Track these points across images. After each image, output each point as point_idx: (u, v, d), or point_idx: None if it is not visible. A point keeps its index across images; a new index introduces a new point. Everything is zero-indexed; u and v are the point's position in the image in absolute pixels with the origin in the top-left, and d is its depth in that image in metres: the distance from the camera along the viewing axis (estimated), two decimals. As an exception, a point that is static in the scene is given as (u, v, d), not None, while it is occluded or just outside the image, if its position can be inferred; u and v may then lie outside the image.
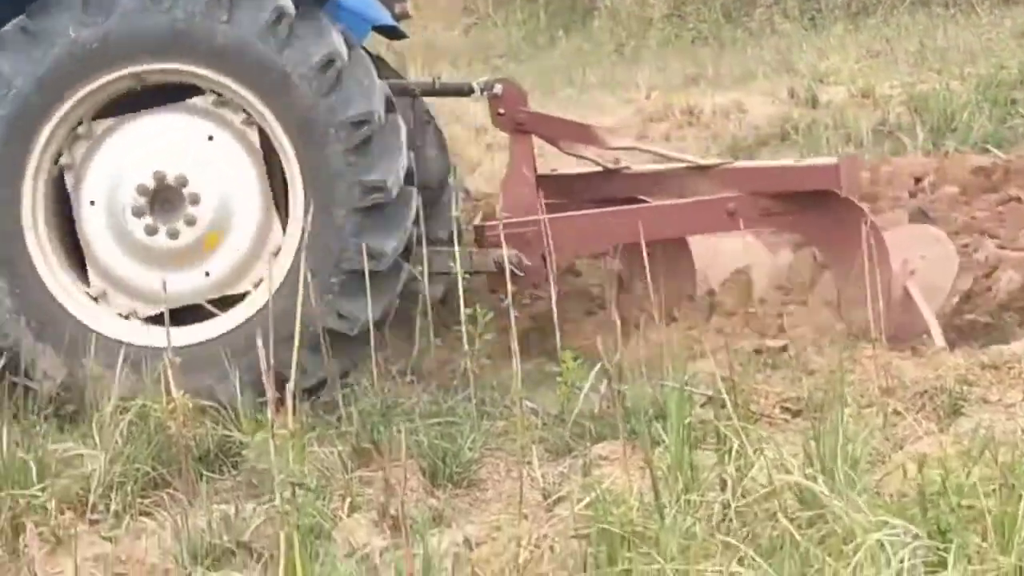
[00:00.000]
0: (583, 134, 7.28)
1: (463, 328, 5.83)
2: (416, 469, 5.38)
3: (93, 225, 6.30)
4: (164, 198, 6.26)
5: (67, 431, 5.78)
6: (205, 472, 5.52)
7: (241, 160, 6.27)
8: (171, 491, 5.30)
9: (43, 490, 5.08)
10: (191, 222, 6.24)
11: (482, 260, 6.79)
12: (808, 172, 6.81)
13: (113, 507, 5.20)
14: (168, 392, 5.61)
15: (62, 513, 5.05)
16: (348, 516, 4.99)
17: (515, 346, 5.19)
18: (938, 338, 6.35)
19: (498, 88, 7.11)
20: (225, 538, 4.79)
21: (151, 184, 6.23)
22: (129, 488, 5.25)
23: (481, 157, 11.39)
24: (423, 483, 5.34)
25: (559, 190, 7.22)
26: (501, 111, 7.13)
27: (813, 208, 6.66)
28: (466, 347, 5.86)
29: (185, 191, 6.24)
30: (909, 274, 6.59)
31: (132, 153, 6.28)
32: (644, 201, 7.11)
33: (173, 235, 6.26)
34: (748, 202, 6.70)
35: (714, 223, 6.82)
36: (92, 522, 5.14)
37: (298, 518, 4.23)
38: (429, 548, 4.35)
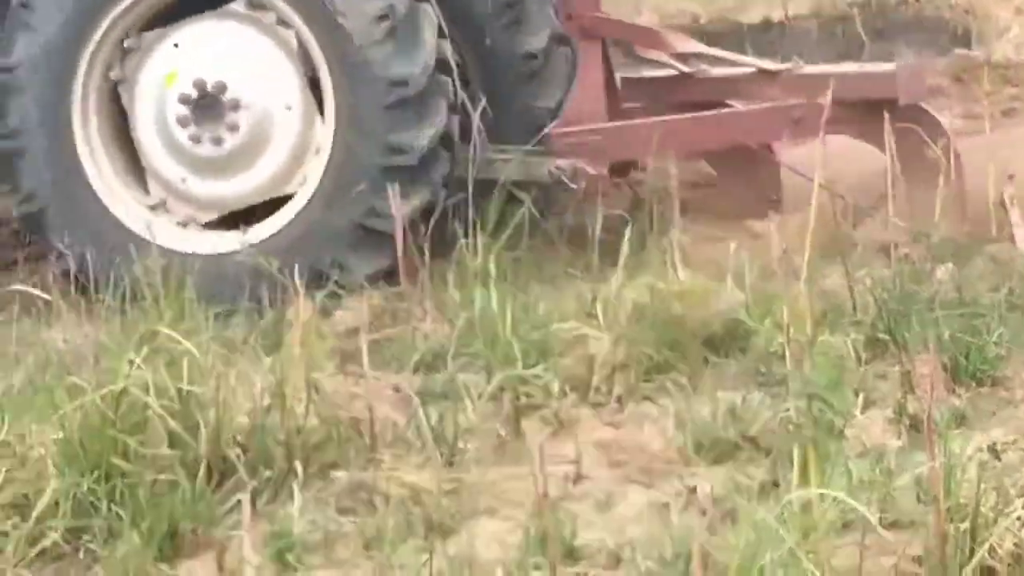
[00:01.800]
0: (651, 38, 7.20)
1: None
2: (936, 364, 4.96)
3: (147, 135, 6.37)
4: (206, 105, 6.29)
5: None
6: (710, 356, 5.30)
7: (280, 63, 6.29)
8: (674, 376, 5.11)
9: (545, 370, 4.99)
10: (233, 128, 6.26)
11: (537, 169, 6.60)
12: (866, 79, 6.69)
13: (616, 391, 5.06)
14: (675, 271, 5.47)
15: (564, 395, 4.94)
16: (862, 413, 4.66)
17: None
18: (1021, 242, 6.10)
19: None
20: (731, 431, 4.55)
21: (193, 93, 6.28)
22: (632, 372, 5.08)
23: (1011, 22, 10.61)
24: (944, 380, 4.92)
25: (641, 93, 7.18)
26: (569, 15, 6.92)
27: (880, 116, 6.34)
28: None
29: (225, 97, 6.27)
30: (1008, 179, 6.36)
31: (174, 62, 6.33)
32: (724, 104, 6.95)
33: (217, 142, 6.29)
34: (815, 109, 6.13)
35: (780, 131, 6.60)
36: (594, 405, 5.01)
37: (814, 428, 3.94)
38: (950, 452, 3.95)
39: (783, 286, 5.33)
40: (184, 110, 6.30)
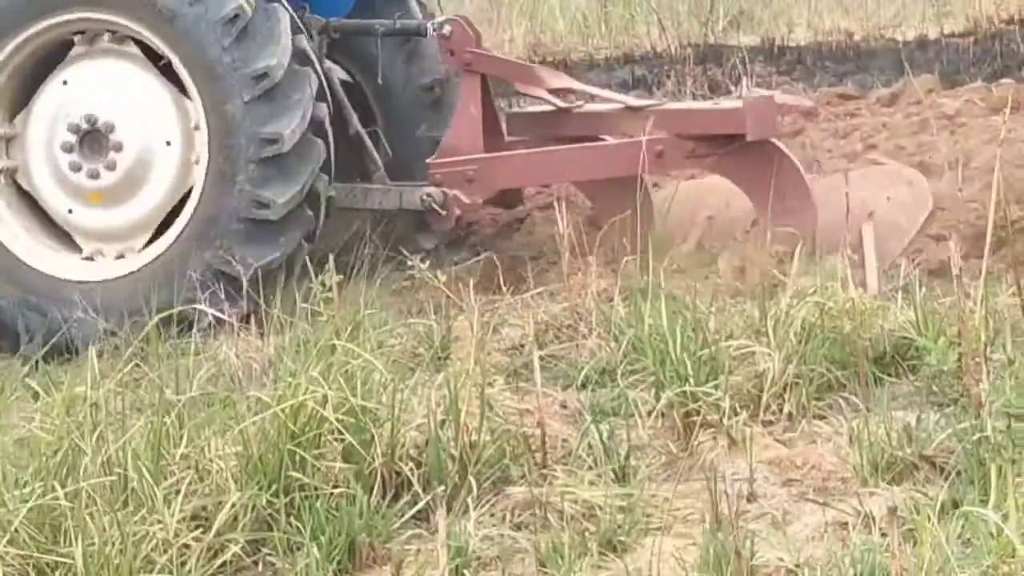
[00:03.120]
0: (526, 74, 7.44)
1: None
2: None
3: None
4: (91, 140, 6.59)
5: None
6: (881, 375, 5.23)
7: (163, 103, 6.59)
8: (845, 394, 5.05)
9: (716, 387, 4.95)
10: (111, 167, 6.56)
11: (410, 198, 7.02)
12: (717, 115, 6.88)
13: (787, 408, 5.01)
14: (844, 289, 5.42)
15: (735, 412, 4.90)
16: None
17: None
18: (871, 285, 6.14)
19: (447, 28, 7.13)
20: (908, 450, 4.48)
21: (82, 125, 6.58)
22: (803, 390, 5.02)
23: None
24: None
25: (523, 127, 7.46)
26: (451, 51, 7.16)
27: (735, 150, 6.67)
28: None
29: (112, 137, 6.55)
30: (867, 216, 6.58)
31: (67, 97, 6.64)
32: (599, 138, 7.16)
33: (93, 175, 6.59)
34: (675, 144, 6.78)
35: (644, 164, 6.73)
36: (765, 423, 4.96)
37: (1012, 451, 3.86)
38: None
39: (950, 304, 5.25)
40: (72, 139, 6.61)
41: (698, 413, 4.89)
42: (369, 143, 7.36)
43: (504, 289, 6.34)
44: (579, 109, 7.37)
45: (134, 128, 6.58)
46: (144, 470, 4.09)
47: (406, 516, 4.33)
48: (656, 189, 7.34)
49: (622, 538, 4.18)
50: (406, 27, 7.49)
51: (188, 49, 6.44)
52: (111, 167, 6.56)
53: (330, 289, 5.03)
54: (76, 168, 6.59)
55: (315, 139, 6.56)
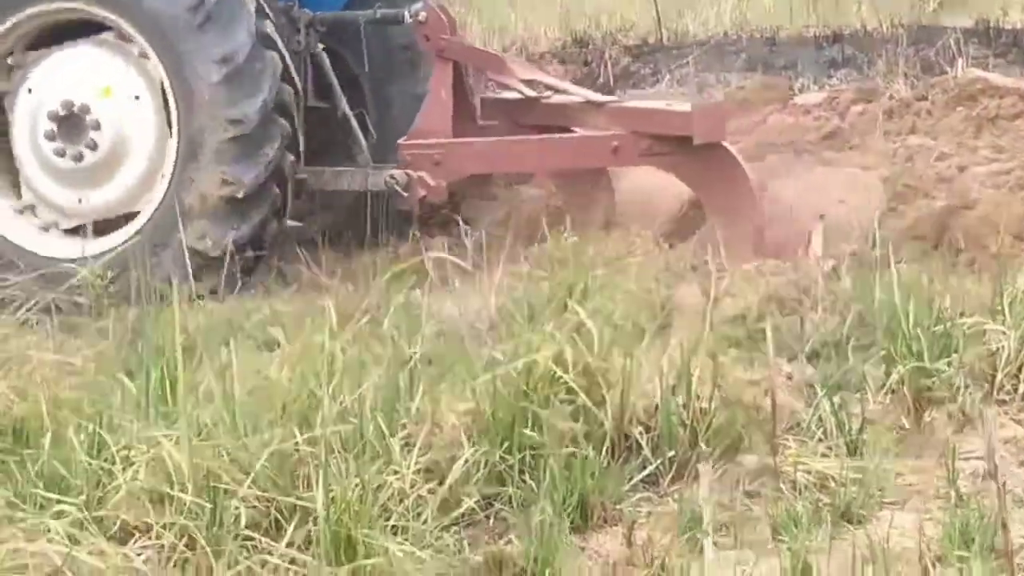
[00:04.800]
0: (496, 64, 7.62)
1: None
2: None
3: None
4: (71, 124, 6.89)
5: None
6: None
7: (140, 91, 6.88)
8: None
9: (948, 364, 4.84)
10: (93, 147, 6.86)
11: (376, 180, 7.25)
12: (668, 116, 7.02)
13: (1021, 389, 4.88)
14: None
15: (968, 390, 4.79)
16: None
17: None
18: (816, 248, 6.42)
19: (423, 15, 7.30)
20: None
21: (60, 111, 6.87)
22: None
23: None
24: None
25: (496, 113, 7.61)
26: (426, 36, 7.34)
27: (687, 151, 6.84)
28: None
29: (88, 118, 6.84)
30: (818, 219, 6.74)
31: (48, 82, 6.95)
32: (567, 129, 7.36)
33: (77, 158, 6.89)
34: (631, 140, 6.99)
35: (600, 158, 7.15)
36: (999, 402, 4.84)
37: None
38: None
39: None
40: (51, 126, 6.91)
41: (930, 389, 4.80)
42: (356, 126, 7.56)
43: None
44: (547, 100, 7.47)
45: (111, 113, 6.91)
46: (380, 421, 4.12)
47: (635, 479, 4.31)
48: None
49: (858, 510, 4.11)
50: (385, 16, 7.66)
51: (157, 35, 6.79)
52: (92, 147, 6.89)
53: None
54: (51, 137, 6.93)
55: (279, 119, 6.84)
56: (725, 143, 6.92)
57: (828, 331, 5.41)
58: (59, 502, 3.64)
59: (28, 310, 5.50)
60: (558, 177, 7.56)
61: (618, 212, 7.27)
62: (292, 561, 3.61)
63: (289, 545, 3.67)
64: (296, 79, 7.07)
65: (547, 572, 3.77)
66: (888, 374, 4.90)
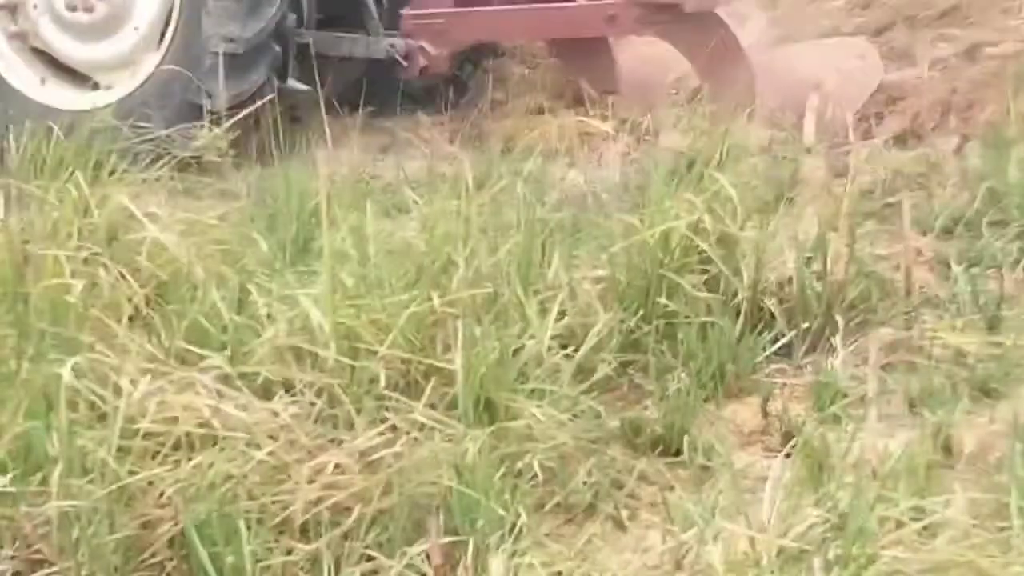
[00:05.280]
0: None
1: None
2: None
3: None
4: None
5: None
6: None
7: None
8: None
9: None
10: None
11: (376, 47, 7.34)
12: None
13: None
14: None
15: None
16: None
17: None
18: (808, 136, 6.48)
19: None
20: None
21: None
22: None
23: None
24: None
25: None
26: None
27: (680, 19, 6.95)
28: None
29: None
30: (814, 86, 6.84)
31: None
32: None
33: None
34: (626, 9, 7.10)
35: (597, 27, 7.28)
36: None
37: None
38: None
39: None
40: None
41: None
42: None
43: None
44: None
45: None
46: (517, 286, 4.11)
47: (769, 351, 4.28)
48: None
49: (995, 385, 4.07)
50: None
51: None
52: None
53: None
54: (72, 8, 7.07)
55: None
56: (718, 12, 7.03)
57: (959, 207, 5.33)
58: (205, 358, 3.66)
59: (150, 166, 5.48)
60: (559, 46, 7.75)
61: (620, 82, 7.49)
62: (432, 421, 3.61)
63: (428, 406, 3.68)
64: None
65: (684, 439, 3.76)
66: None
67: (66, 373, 3.28)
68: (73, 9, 7.10)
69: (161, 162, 4.73)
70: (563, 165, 6.16)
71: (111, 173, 4.57)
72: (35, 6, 7.22)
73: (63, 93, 7.17)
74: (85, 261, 4.00)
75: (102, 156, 4.57)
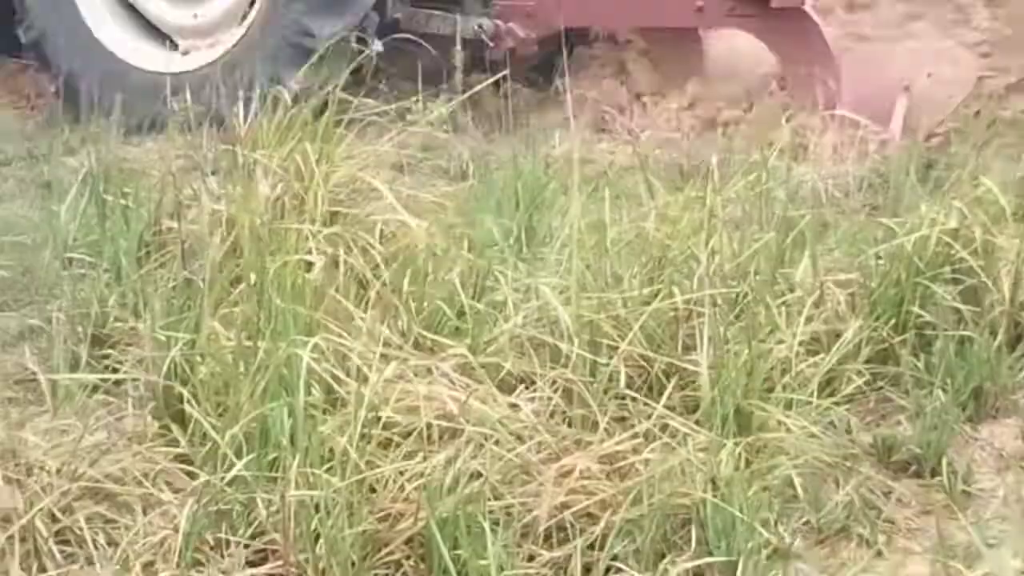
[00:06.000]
0: None
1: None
2: None
3: None
4: None
5: None
6: None
7: None
8: None
9: None
10: None
11: (465, 26, 7.28)
12: None
13: None
14: None
15: None
16: None
17: None
18: (895, 131, 6.45)
19: None
20: None
21: None
22: None
23: None
24: None
25: None
26: None
27: (767, 13, 6.92)
28: None
29: None
30: (903, 89, 6.72)
31: None
32: None
33: None
34: (715, 2, 7.11)
35: (686, 18, 7.25)
36: None
37: None
38: None
39: None
40: None
41: None
42: None
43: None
44: None
45: None
46: (762, 288, 3.89)
47: (1024, 367, 4.00)
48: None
49: None
50: None
51: None
52: None
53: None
54: None
55: None
56: (806, 7, 6.95)
57: None
58: (444, 345, 3.50)
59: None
60: (649, 34, 7.71)
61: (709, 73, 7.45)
62: (680, 427, 3.41)
63: (667, 407, 3.48)
64: None
65: (942, 461, 3.51)
66: None
67: (305, 355, 3.13)
68: None
69: (387, 136, 4.55)
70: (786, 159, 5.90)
71: (337, 143, 4.41)
72: None
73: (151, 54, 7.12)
74: (314, 236, 3.85)
75: (327, 125, 4.40)
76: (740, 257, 3.97)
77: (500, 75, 6.90)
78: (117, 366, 3.64)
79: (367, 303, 3.61)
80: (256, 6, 6.96)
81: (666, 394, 3.52)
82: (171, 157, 5.07)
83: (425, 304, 3.68)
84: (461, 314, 3.69)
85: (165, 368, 3.42)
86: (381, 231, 4.01)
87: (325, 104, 4.57)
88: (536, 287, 3.73)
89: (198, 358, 3.40)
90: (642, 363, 3.66)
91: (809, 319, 3.88)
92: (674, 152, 6.07)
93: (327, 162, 4.36)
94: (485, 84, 5.70)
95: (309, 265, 3.64)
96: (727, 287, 3.84)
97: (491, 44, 7.28)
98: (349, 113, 4.57)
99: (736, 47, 7.46)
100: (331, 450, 3.04)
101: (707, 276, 3.81)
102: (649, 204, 4.33)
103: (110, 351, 3.78)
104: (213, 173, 4.84)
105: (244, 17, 7.02)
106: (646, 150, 5.75)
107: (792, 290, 4.03)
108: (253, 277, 3.48)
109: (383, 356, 3.29)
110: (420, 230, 3.91)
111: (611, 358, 3.56)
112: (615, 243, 4.04)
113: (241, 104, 4.79)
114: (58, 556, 2.95)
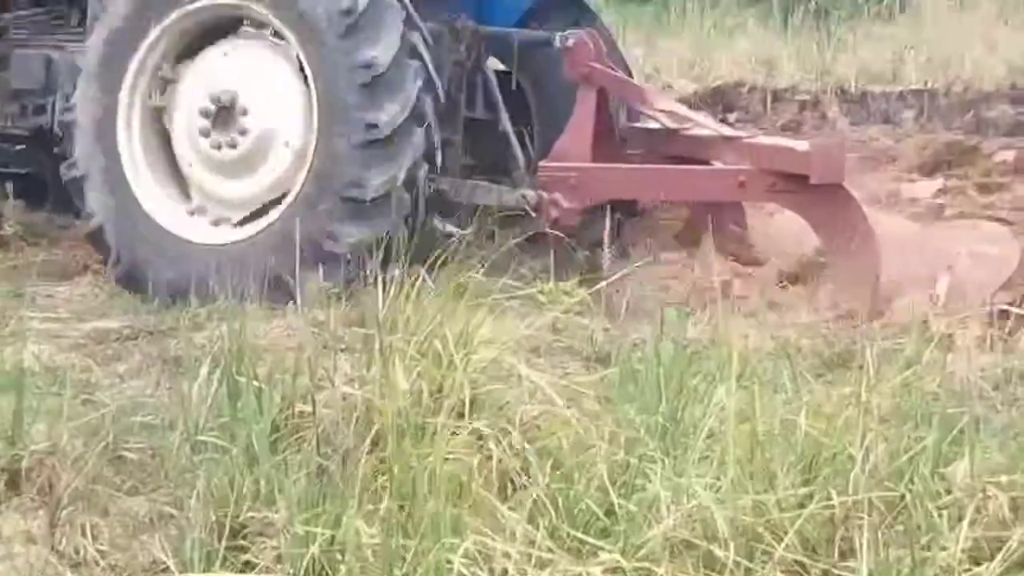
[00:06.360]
0: (638, 94, 7.91)
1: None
2: None
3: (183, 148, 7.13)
4: (223, 116, 6.99)
5: None
6: None
7: (289, 84, 6.95)
8: None
9: None
10: (244, 132, 6.95)
11: (508, 197, 7.34)
12: (786, 154, 7.06)
13: None
14: None
15: None
16: None
17: None
18: (941, 293, 6.34)
19: (571, 40, 7.54)
20: None
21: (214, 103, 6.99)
22: None
23: None
24: None
25: (639, 141, 7.91)
26: (572, 62, 7.56)
27: (808, 190, 6.84)
28: None
29: (237, 106, 6.95)
30: (946, 269, 6.59)
31: (198, 83, 7.07)
32: (703, 161, 7.51)
33: (232, 145, 6.97)
34: (757, 176, 7.03)
35: (727, 192, 7.21)
36: None
37: None
38: None
39: None
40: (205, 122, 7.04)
41: None
42: (515, 143, 7.85)
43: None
44: (686, 131, 7.63)
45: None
46: (924, 489, 3.70)
47: None
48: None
49: None
50: (537, 38, 7.95)
51: (306, 36, 6.85)
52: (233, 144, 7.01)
53: None
54: (206, 134, 7.04)
55: (416, 128, 6.85)
56: (845, 184, 6.86)
57: None
58: (593, 546, 3.35)
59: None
60: (695, 207, 7.75)
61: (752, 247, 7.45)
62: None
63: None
64: (440, 89, 7.09)
65: None
66: None
67: (456, 560, 3.00)
68: (218, 147, 7.05)
69: (527, 320, 4.46)
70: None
71: (476, 327, 4.33)
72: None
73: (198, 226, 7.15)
74: (455, 430, 3.74)
75: (468, 307, 4.32)
76: (897, 458, 3.79)
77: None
78: (255, 560, 3.52)
79: (514, 498, 3.47)
80: (306, 169, 6.89)
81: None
82: (305, 335, 5.00)
83: (573, 500, 3.54)
84: (610, 512, 3.54)
85: (304, 564, 3.30)
86: (524, 420, 3.89)
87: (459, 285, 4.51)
88: (692, 487, 3.57)
89: (338, 555, 3.28)
90: (798, 569, 3.49)
91: (971, 523, 3.68)
92: (813, 336, 5.90)
93: (465, 346, 4.27)
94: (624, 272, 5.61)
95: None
96: (884, 489, 3.66)
97: (534, 214, 7.27)
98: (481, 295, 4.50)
99: (783, 223, 7.44)
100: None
101: (863, 476, 3.65)
102: (796, 395, 4.18)
103: (243, 542, 3.66)
104: (343, 350, 4.78)
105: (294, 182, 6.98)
106: (785, 334, 5.61)
107: (950, 492, 3.84)
108: (396, 470, 3.37)
109: (533, 559, 3.15)
110: (565, 421, 3.78)
111: (766, 563, 3.40)
112: (766, 437, 3.88)
113: (379, 280, 4.72)
114: None
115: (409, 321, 4.40)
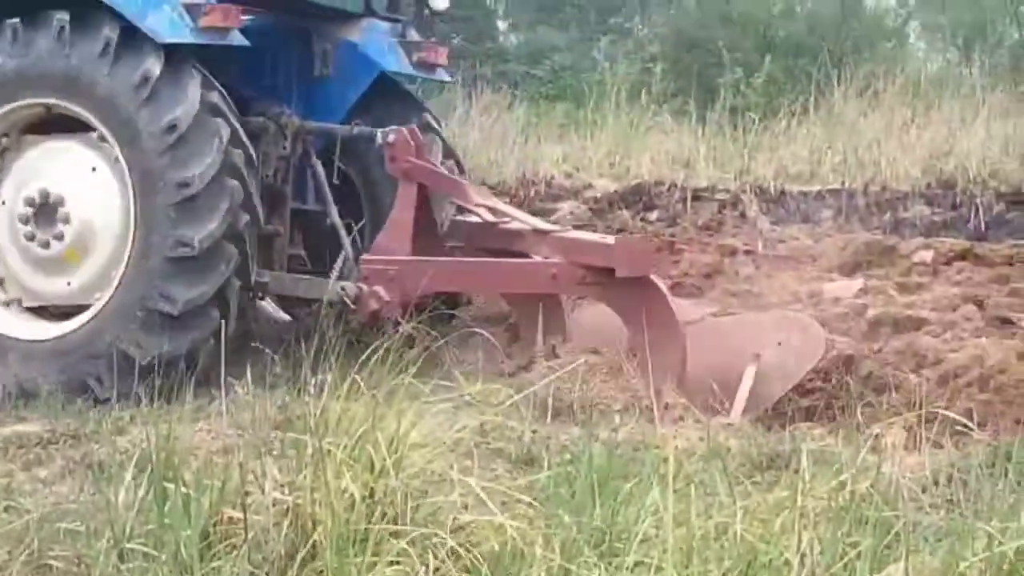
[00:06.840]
0: (455, 188, 8.03)
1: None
2: None
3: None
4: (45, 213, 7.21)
5: None
6: None
7: (112, 191, 7.11)
8: None
9: None
10: (60, 237, 7.18)
11: (331, 290, 7.55)
12: (593, 248, 7.40)
13: None
14: None
15: None
16: None
17: None
18: (735, 415, 6.54)
19: (391, 136, 7.84)
20: None
21: (37, 199, 7.20)
22: None
23: None
24: None
25: (461, 234, 8.12)
26: (392, 158, 7.84)
27: (615, 282, 7.12)
28: None
29: (60, 209, 7.17)
30: (753, 357, 6.89)
31: (31, 169, 7.30)
32: (521, 253, 7.75)
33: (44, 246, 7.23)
34: (569, 269, 7.33)
35: (541, 284, 7.46)
36: None
37: None
38: None
39: None
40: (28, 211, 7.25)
41: None
42: (343, 234, 8.02)
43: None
44: (504, 225, 7.87)
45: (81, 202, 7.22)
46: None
47: None
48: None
49: None
50: (361, 133, 8.12)
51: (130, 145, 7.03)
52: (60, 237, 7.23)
53: None
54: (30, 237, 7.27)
55: (229, 246, 7.07)
56: (653, 276, 7.14)
57: None
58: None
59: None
60: (514, 298, 7.96)
61: (570, 336, 7.57)
62: None
63: None
64: (259, 210, 7.30)
65: None
66: None
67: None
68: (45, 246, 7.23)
69: (459, 424, 4.42)
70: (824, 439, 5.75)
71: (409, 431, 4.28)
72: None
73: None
74: (390, 538, 3.68)
75: (401, 410, 4.28)
76: (834, 563, 3.78)
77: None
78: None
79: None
80: (119, 272, 7.03)
81: None
82: (232, 438, 4.93)
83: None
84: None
85: None
86: (458, 526, 3.84)
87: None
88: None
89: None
90: None
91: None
92: (740, 437, 5.91)
93: (396, 451, 4.23)
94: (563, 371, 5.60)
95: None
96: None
97: (353, 307, 7.40)
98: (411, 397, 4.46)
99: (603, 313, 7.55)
100: None
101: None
102: (729, 498, 4.16)
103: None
104: (271, 453, 4.71)
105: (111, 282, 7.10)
106: (715, 435, 5.61)
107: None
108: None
109: None
110: (499, 527, 3.74)
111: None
112: (702, 542, 3.86)
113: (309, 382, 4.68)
114: None
115: (340, 423, 4.34)
